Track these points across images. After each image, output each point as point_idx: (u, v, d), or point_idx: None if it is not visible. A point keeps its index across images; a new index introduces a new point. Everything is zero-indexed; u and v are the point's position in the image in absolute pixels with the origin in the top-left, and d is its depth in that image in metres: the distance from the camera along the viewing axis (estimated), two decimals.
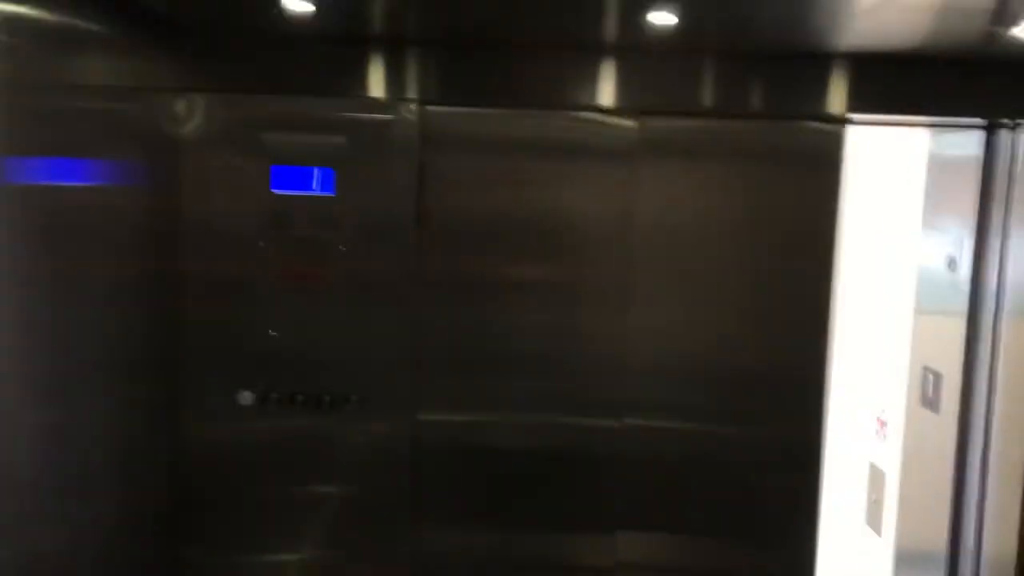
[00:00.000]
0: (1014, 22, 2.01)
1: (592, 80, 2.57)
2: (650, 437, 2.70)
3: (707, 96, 2.56)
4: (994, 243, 2.60)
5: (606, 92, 2.57)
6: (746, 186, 2.65)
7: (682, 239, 2.66)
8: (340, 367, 2.59)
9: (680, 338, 2.68)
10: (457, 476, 2.72)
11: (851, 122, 2.59)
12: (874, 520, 3.17)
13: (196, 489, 2.64)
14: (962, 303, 2.68)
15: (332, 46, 2.52)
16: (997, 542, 2.63)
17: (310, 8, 2.12)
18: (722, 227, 2.65)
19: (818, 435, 2.70)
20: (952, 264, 2.70)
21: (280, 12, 2.18)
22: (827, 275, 2.65)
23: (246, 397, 2.59)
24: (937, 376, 2.78)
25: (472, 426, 2.72)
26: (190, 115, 2.52)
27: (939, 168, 2.81)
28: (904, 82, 2.50)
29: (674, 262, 2.66)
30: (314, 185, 2.54)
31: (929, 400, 2.82)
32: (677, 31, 2.24)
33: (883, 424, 3.13)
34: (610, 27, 2.30)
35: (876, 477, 3.17)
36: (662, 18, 2.12)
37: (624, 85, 2.56)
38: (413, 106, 2.54)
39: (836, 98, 2.54)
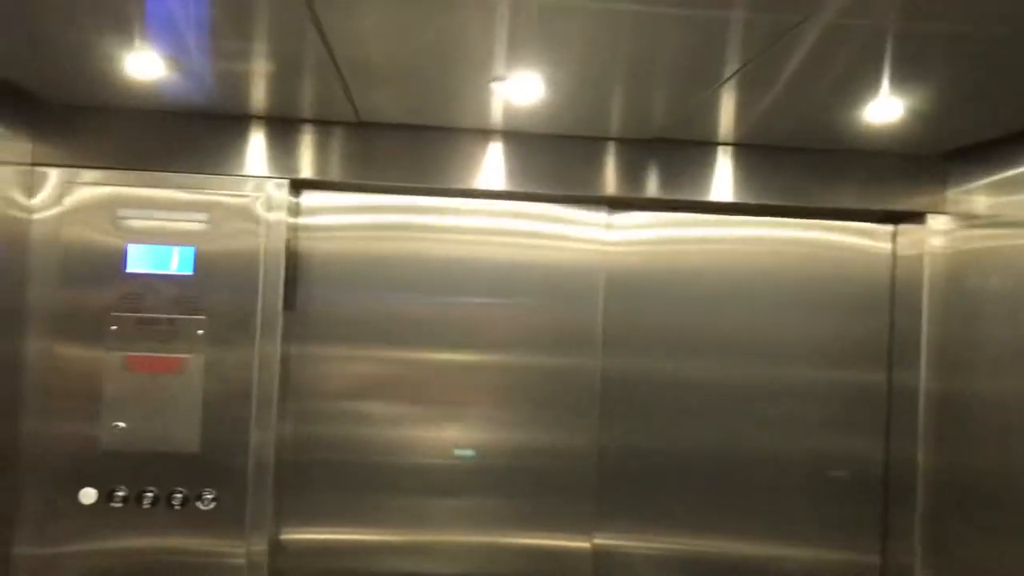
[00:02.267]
0: None
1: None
2: None
3: None
4: None
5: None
6: None
7: None
8: (195, 462, 2.38)
9: None
10: None
11: None
12: None
13: None
14: None
15: (194, 121, 2.42)
16: None
17: (158, 76, 2.02)
18: None
19: None
20: None
21: (134, 85, 2.08)
22: None
23: (89, 495, 2.36)
24: None
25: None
26: (42, 190, 2.38)
27: None
28: None
29: None
30: (172, 265, 2.39)
31: None
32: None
33: None
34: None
35: None
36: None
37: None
38: (283, 184, 2.43)
39: None
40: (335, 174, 2.46)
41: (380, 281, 2.56)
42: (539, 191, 2.52)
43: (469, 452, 2.54)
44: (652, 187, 2.53)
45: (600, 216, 2.62)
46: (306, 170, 2.45)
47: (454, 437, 2.55)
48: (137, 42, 1.81)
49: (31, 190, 2.37)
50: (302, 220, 2.55)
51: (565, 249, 2.60)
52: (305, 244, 2.53)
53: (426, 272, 2.56)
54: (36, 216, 2.37)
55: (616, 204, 2.61)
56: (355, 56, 1.84)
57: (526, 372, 2.57)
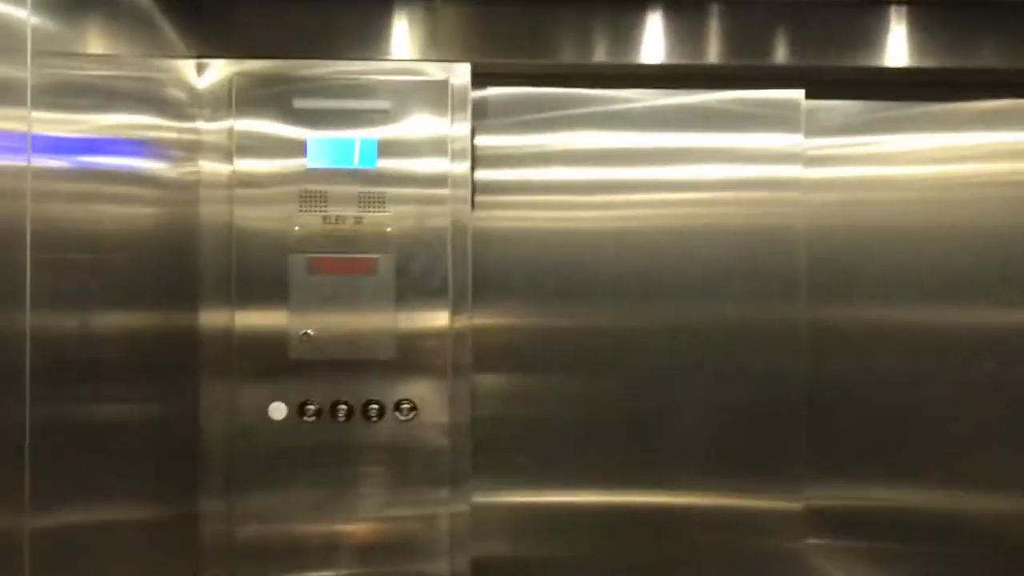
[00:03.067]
0: None
1: None
2: None
3: None
4: None
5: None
6: None
7: None
8: (391, 370, 2.20)
9: None
10: None
11: None
12: None
13: None
14: None
15: (364, 4, 2.23)
16: None
17: None
18: None
19: None
20: None
21: None
22: None
23: (279, 409, 2.18)
24: None
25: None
26: (209, 84, 2.19)
27: None
28: None
29: None
30: (355, 158, 2.20)
31: None
32: None
33: None
34: None
35: None
36: None
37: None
38: (463, 66, 2.24)
39: None
40: (515, 55, 2.27)
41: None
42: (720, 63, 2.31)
43: None
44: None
45: (795, 141, 2.36)
46: (485, 53, 2.26)
47: (650, 398, 2.34)
48: None
49: (197, 84, 2.17)
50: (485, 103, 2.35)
51: (758, 201, 2.35)
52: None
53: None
54: (204, 112, 2.18)
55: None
56: None
57: (721, 332, 2.34)
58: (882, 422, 2.36)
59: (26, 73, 1.29)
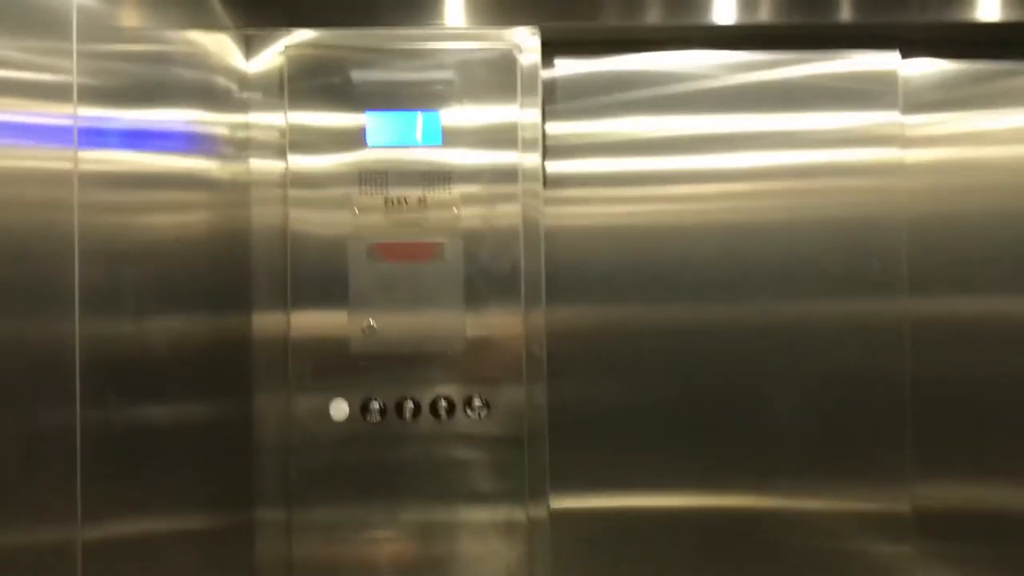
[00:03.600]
0: None
1: None
2: None
3: None
4: None
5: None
6: None
7: None
8: (459, 365, 2.05)
9: None
10: None
11: None
12: None
13: None
14: None
15: None
16: None
17: None
18: None
19: None
20: None
21: None
22: None
23: (340, 408, 2.04)
24: None
25: None
26: (257, 59, 2.03)
27: None
28: None
29: None
30: (418, 136, 2.04)
31: None
32: None
33: None
34: None
35: None
36: None
37: None
38: (532, 31, 2.06)
39: None
40: (585, 16, 2.08)
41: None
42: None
43: None
44: None
45: (892, 119, 2.15)
46: (553, 15, 2.07)
47: (745, 399, 2.17)
48: None
49: (247, 68, 2.01)
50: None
51: (852, 189, 2.15)
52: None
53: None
54: (255, 97, 2.02)
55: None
56: None
57: (819, 329, 2.16)
58: (992, 420, 2.18)
59: (71, 61, 1.13)
